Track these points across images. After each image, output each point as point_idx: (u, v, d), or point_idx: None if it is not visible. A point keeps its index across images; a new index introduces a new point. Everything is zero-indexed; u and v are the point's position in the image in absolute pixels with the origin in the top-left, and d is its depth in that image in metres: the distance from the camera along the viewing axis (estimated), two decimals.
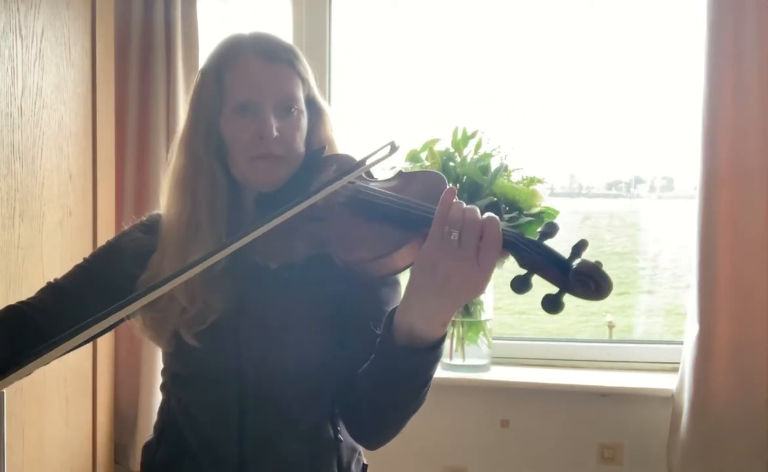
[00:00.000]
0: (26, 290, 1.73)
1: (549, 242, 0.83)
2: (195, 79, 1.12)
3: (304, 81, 1.10)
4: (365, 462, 1.21)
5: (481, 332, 2.14)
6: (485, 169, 2.04)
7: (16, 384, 1.70)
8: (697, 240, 1.94)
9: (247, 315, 1.06)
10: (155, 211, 1.20)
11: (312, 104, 1.12)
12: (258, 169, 1.06)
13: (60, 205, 1.88)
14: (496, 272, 0.88)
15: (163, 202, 1.13)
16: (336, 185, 0.96)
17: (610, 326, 2.42)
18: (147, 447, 1.20)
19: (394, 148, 1.03)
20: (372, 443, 1.06)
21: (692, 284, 1.97)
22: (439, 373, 2.14)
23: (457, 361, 2.14)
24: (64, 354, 0.80)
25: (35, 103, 1.77)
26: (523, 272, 0.82)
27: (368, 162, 1.02)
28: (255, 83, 1.04)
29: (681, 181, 2.56)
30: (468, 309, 2.12)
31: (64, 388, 1.91)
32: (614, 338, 2.43)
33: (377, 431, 1.03)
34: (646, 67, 2.31)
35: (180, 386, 1.13)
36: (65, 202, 1.91)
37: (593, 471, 2.11)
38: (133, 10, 2.22)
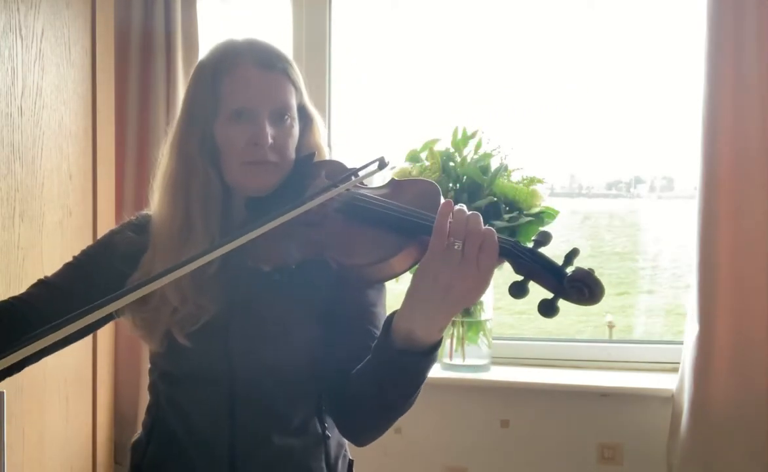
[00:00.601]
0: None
1: (543, 250, 0.86)
2: (189, 80, 1.14)
3: (297, 89, 1.12)
4: (351, 458, 1.24)
5: (481, 332, 2.14)
6: (485, 169, 2.04)
7: (16, 384, 1.70)
8: (697, 240, 1.94)
9: (238, 317, 1.08)
10: (144, 211, 1.22)
11: (303, 111, 1.14)
12: (251, 175, 1.08)
13: (60, 205, 1.88)
14: (497, 273, 0.90)
15: (155, 203, 1.14)
16: (330, 194, 0.99)
17: (610, 326, 2.42)
18: (136, 446, 1.22)
19: (383, 164, 1.06)
20: (360, 441, 1.09)
21: (692, 284, 1.97)
22: (439, 373, 2.14)
23: (457, 361, 2.14)
24: (50, 347, 0.80)
25: (35, 103, 1.77)
26: (519, 278, 0.86)
27: (360, 174, 1.04)
28: (251, 91, 1.06)
29: (681, 181, 2.56)
30: (468, 309, 2.12)
31: (64, 388, 1.91)
32: (614, 338, 2.43)
33: (367, 429, 1.06)
34: (646, 67, 2.31)
35: (171, 385, 1.14)
36: (65, 202, 1.91)
37: (593, 471, 2.11)
38: (133, 10, 2.22)
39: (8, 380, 1.67)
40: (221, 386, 1.09)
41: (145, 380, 2.15)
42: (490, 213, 1.98)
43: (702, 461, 1.93)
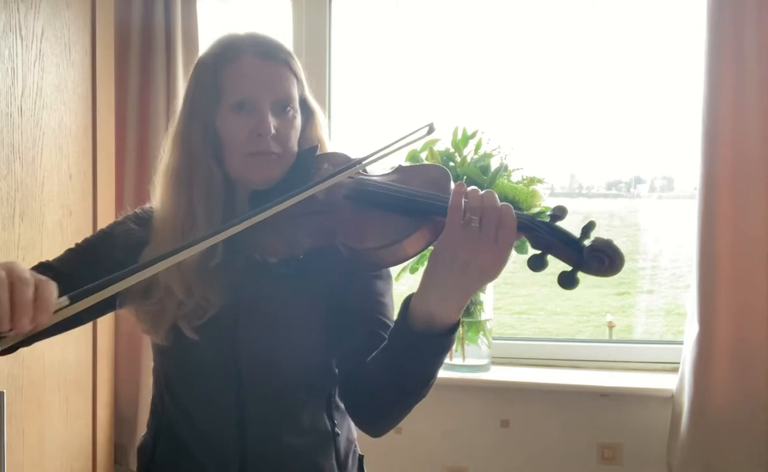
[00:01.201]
0: None
1: (560, 224, 0.87)
2: (189, 76, 1.13)
3: (299, 81, 1.11)
4: (361, 453, 1.23)
5: (481, 332, 2.14)
6: (485, 169, 2.04)
7: (16, 384, 1.71)
8: (697, 240, 1.94)
9: (244, 310, 1.08)
10: (149, 205, 1.20)
11: (304, 104, 1.14)
12: (254, 167, 1.07)
13: (60, 205, 1.88)
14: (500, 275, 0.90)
15: (156, 197, 1.13)
16: (339, 177, 0.99)
17: (610, 326, 2.42)
18: (142, 448, 1.20)
19: (432, 129, 1.07)
20: (377, 429, 1.07)
21: (692, 284, 1.97)
22: (439, 373, 2.14)
23: (457, 361, 2.14)
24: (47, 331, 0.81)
25: (35, 103, 1.77)
26: (537, 252, 0.87)
27: (403, 142, 1.05)
28: (253, 81, 1.06)
29: (681, 181, 2.56)
30: (468, 309, 2.12)
31: (64, 388, 1.91)
32: (614, 338, 2.43)
33: (384, 416, 1.04)
34: (646, 68, 2.31)
35: (176, 383, 1.13)
36: (65, 202, 1.91)
37: (593, 471, 2.11)
38: (133, 10, 2.22)
39: (8, 380, 1.67)
40: (229, 384, 1.08)
41: (145, 380, 2.19)
42: None
43: (702, 461, 1.93)
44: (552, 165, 2.43)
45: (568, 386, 2.09)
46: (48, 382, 1.83)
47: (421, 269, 1.00)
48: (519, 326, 2.67)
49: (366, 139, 2.39)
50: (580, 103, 2.37)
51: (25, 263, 1.79)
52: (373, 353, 0.99)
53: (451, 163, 2.06)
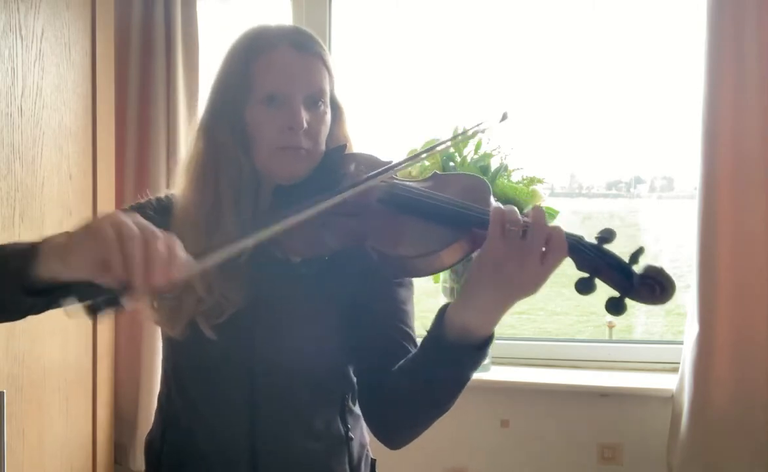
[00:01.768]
0: None
1: (608, 246, 0.84)
2: (219, 65, 1.09)
3: (331, 76, 1.08)
4: (373, 457, 1.21)
5: None
6: (485, 169, 2.04)
7: (16, 384, 1.70)
8: (697, 240, 1.94)
9: (262, 309, 1.05)
10: (170, 192, 1.17)
11: (333, 101, 1.10)
12: (282, 161, 1.04)
13: (60, 205, 1.88)
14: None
15: (180, 187, 1.10)
16: (374, 182, 0.96)
17: (610, 326, 2.42)
18: (150, 443, 1.18)
19: (504, 117, 1.04)
20: (395, 441, 1.05)
21: (692, 284, 1.97)
22: None
23: None
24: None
25: (35, 103, 1.77)
26: (585, 275, 0.84)
27: (480, 127, 1.03)
28: (286, 74, 1.02)
29: (681, 181, 2.56)
30: None
31: (64, 388, 1.91)
32: (614, 338, 2.43)
33: (406, 428, 1.02)
34: (646, 68, 2.31)
35: (188, 378, 1.10)
36: (65, 202, 1.91)
37: (593, 471, 2.11)
38: (133, 11, 2.22)
39: (8, 380, 1.67)
40: (242, 382, 1.05)
41: (145, 380, 2.19)
42: None
43: (702, 461, 1.93)
44: (552, 165, 2.43)
45: (568, 386, 2.09)
46: (48, 382, 1.82)
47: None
48: (519, 326, 2.67)
49: (366, 138, 2.38)
50: (579, 103, 2.37)
51: None
52: (401, 363, 0.97)
53: (451, 163, 2.06)
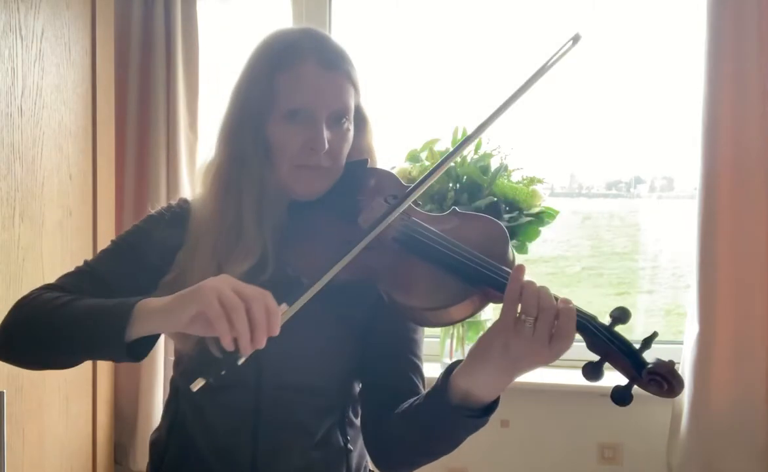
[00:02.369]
0: (26, 290, 1.71)
1: (621, 329, 0.83)
2: (241, 73, 1.06)
3: (357, 90, 1.06)
4: (372, 469, 1.20)
5: (481, 332, 2.13)
6: (485, 169, 2.04)
7: (16, 384, 1.70)
8: (697, 240, 1.94)
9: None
10: (182, 197, 1.16)
11: (358, 112, 1.09)
12: (301, 179, 1.03)
13: (60, 205, 1.88)
14: None
15: (200, 196, 1.08)
16: (391, 218, 0.93)
17: None
18: (155, 444, 1.18)
19: (577, 38, 1.02)
20: (390, 471, 1.07)
21: (692, 284, 1.97)
22: (440, 373, 2.14)
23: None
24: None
25: (35, 103, 1.77)
26: (595, 358, 0.82)
27: (553, 59, 1.01)
28: (311, 91, 1.00)
29: (681, 181, 2.56)
30: None
31: (64, 388, 1.91)
32: None
33: (400, 465, 1.04)
34: (646, 68, 2.31)
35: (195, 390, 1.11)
36: (65, 202, 1.91)
37: (593, 471, 2.11)
38: (133, 11, 2.22)
39: (8, 380, 1.67)
40: (247, 395, 1.05)
41: (145, 380, 2.19)
42: (490, 213, 1.97)
43: (702, 461, 1.93)
44: (552, 165, 2.43)
45: (568, 386, 2.09)
46: (48, 382, 1.82)
47: None
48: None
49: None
50: (580, 103, 2.37)
51: (25, 263, 1.80)
52: (404, 408, 0.97)
53: (451, 163, 2.05)
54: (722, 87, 1.90)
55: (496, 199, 1.99)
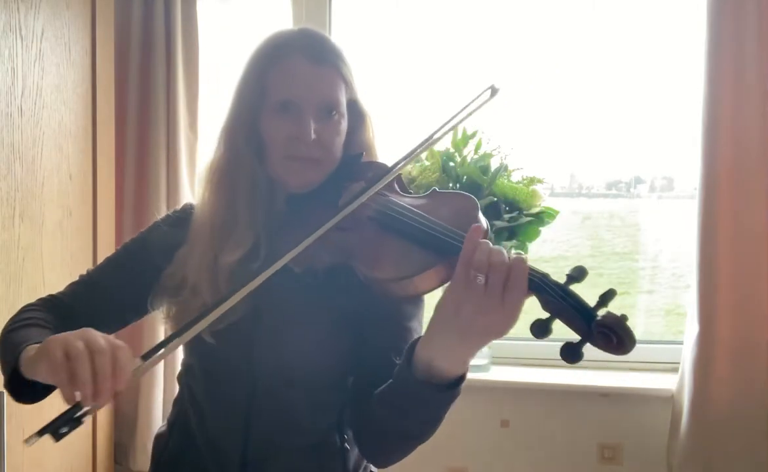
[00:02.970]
0: (26, 290, 1.73)
1: (576, 286, 0.80)
2: (241, 69, 1.10)
3: (348, 84, 1.08)
4: (372, 469, 1.20)
5: None
6: (485, 169, 2.04)
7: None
8: (697, 240, 1.94)
9: (263, 317, 1.05)
10: (188, 202, 1.20)
11: (354, 107, 1.11)
12: (292, 170, 1.05)
13: (60, 205, 1.88)
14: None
15: (199, 193, 1.12)
16: (362, 199, 0.95)
17: None
18: (158, 438, 1.20)
19: (494, 91, 1.02)
20: (380, 464, 1.06)
21: (692, 284, 1.97)
22: None
23: None
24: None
25: (35, 103, 1.77)
26: (544, 315, 0.79)
27: (465, 112, 1.01)
28: (298, 84, 1.03)
29: (681, 181, 2.56)
30: None
31: None
32: None
33: (385, 454, 1.02)
34: (646, 67, 2.31)
35: (193, 380, 1.13)
36: (65, 202, 1.91)
37: (593, 471, 2.11)
38: (133, 10, 2.22)
39: None
40: (240, 388, 1.06)
41: (145, 380, 2.18)
42: (490, 213, 1.98)
43: (702, 461, 1.93)
44: (552, 165, 2.43)
45: (568, 386, 2.09)
46: None
47: None
48: (519, 325, 2.67)
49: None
50: (579, 103, 2.37)
51: (25, 263, 1.80)
52: (379, 390, 0.95)
53: (451, 163, 2.06)
54: (722, 87, 1.90)
55: (496, 199, 1.99)
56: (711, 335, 1.92)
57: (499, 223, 1.94)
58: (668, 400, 2.02)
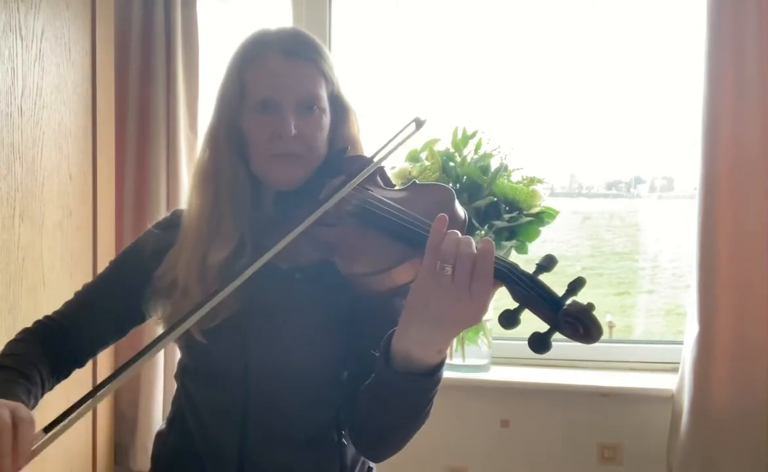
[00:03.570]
0: (26, 290, 1.73)
1: (545, 276, 0.79)
2: (222, 72, 1.12)
3: (328, 79, 1.08)
4: (371, 465, 1.20)
5: (481, 332, 2.14)
6: (485, 169, 2.04)
7: None
8: (697, 240, 1.94)
9: (256, 315, 1.05)
10: (178, 208, 1.22)
11: (336, 102, 1.11)
12: (276, 168, 1.06)
13: (60, 205, 1.88)
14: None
15: (188, 193, 1.14)
16: (341, 194, 0.96)
17: (610, 326, 2.42)
18: (158, 436, 1.21)
19: (419, 123, 1.03)
20: (374, 458, 1.06)
21: (692, 284, 1.97)
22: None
23: (457, 361, 2.14)
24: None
25: (35, 103, 1.77)
26: (514, 305, 0.79)
27: (393, 144, 1.01)
28: (275, 81, 1.04)
29: (681, 181, 2.56)
30: None
31: (65, 388, 1.90)
32: (614, 338, 2.43)
33: (376, 447, 1.02)
34: (646, 67, 2.31)
35: (189, 379, 1.13)
36: (65, 202, 1.91)
37: (593, 471, 2.11)
38: (133, 11, 2.22)
39: None
40: (235, 387, 1.06)
41: (145, 380, 2.19)
42: (490, 213, 1.98)
43: (702, 461, 1.93)
44: (552, 165, 2.43)
45: (568, 386, 2.09)
46: None
47: None
48: (519, 326, 2.67)
49: (365, 138, 2.38)
50: (579, 103, 2.37)
51: (25, 263, 1.80)
52: (365, 384, 0.95)
53: (451, 164, 2.06)
54: (722, 87, 1.90)
55: (496, 199, 1.99)
56: (711, 335, 1.92)
57: (499, 223, 1.94)
58: (668, 400, 2.02)
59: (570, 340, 0.76)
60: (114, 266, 1.20)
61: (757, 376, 1.90)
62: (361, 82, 2.44)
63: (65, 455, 1.93)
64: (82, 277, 1.96)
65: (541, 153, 2.34)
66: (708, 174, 1.91)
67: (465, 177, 2.03)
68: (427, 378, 0.86)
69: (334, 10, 2.36)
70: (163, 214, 1.24)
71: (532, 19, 2.37)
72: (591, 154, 2.51)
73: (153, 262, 1.12)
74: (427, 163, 2.06)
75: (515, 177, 2.07)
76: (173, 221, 1.17)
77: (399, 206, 0.96)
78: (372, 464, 1.20)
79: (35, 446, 0.83)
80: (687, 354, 1.98)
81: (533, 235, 2.01)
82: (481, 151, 2.07)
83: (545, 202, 2.03)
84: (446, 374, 2.23)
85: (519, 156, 2.09)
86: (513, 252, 2.03)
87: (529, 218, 1.97)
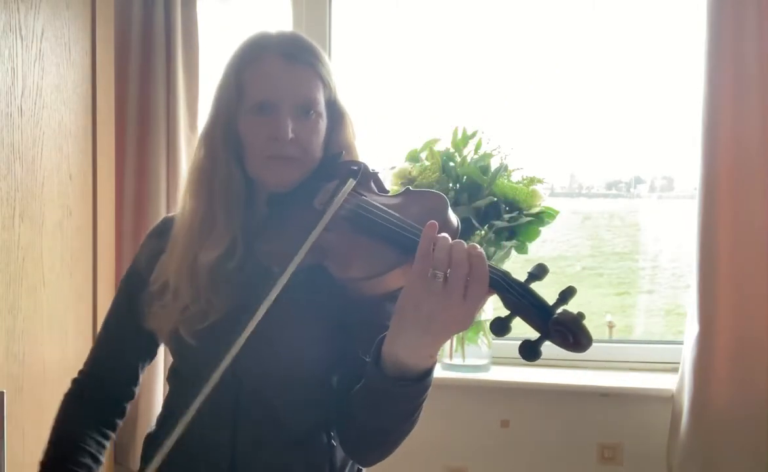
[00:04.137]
0: (26, 290, 1.73)
1: (537, 285, 0.80)
2: (220, 74, 1.12)
3: (326, 84, 1.09)
4: (360, 467, 1.20)
5: (481, 332, 2.14)
6: (485, 169, 2.04)
7: (16, 384, 1.70)
8: (697, 240, 1.94)
9: (246, 317, 1.04)
10: (169, 215, 1.23)
11: (333, 107, 1.11)
12: (271, 170, 1.06)
13: (60, 205, 1.88)
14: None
15: (182, 194, 1.14)
16: (335, 205, 0.97)
17: (610, 326, 2.42)
18: (148, 437, 1.21)
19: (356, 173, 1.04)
20: (363, 462, 1.06)
21: (692, 284, 1.97)
22: (439, 373, 2.14)
23: (457, 361, 2.14)
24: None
25: (35, 103, 1.77)
26: (504, 313, 0.80)
27: (336, 203, 1.00)
28: (273, 84, 1.04)
29: (681, 181, 2.56)
30: None
31: (64, 388, 1.90)
32: (614, 337, 2.43)
33: (366, 451, 1.02)
34: (646, 67, 2.31)
35: (178, 383, 1.14)
36: (65, 202, 1.91)
37: (593, 471, 2.11)
38: (133, 10, 2.22)
39: (8, 380, 1.67)
40: (225, 390, 1.05)
41: (145, 380, 2.18)
42: (490, 213, 1.98)
43: (702, 461, 1.93)
44: (552, 165, 2.43)
45: (568, 386, 2.09)
46: (48, 382, 1.82)
47: None
48: (519, 325, 2.67)
49: (365, 140, 2.38)
50: (579, 103, 2.37)
51: (25, 263, 1.80)
52: (355, 388, 0.95)
53: (451, 164, 2.06)
54: (722, 87, 1.90)
55: (496, 199, 1.99)
56: (711, 335, 1.92)
57: (499, 224, 1.94)
58: (668, 400, 2.02)
59: (562, 348, 0.77)
60: (120, 291, 1.22)
61: (757, 376, 1.90)
62: (361, 83, 2.44)
63: None
64: (82, 277, 1.96)
65: (541, 153, 2.34)
66: (708, 174, 1.91)
67: (465, 177, 2.03)
68: (416, 383, 0.86)
69: (334, 10, 2.36)
70: (163, 214, 1.25)
71: (532, 19, 2.37)
72: (591, 154, 2.51)
73: (149, 272, 1.13)
74: (427, 163, 2.06)
75: (515, 177, 2.07)
76: (164, 228, 1.18)
77: (391, 212, 0.97)
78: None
79: None
80: (687, 354, 1.97)
81: (533, 235, 2.01)
82: (481, 151, 2.08)
83: (545, 202, 2.03)
84: (446, 374, 2.24)
85: (519, 156, 2.09)
86: (513, 252, 2.03)
87: (529, 218, 1.97)
